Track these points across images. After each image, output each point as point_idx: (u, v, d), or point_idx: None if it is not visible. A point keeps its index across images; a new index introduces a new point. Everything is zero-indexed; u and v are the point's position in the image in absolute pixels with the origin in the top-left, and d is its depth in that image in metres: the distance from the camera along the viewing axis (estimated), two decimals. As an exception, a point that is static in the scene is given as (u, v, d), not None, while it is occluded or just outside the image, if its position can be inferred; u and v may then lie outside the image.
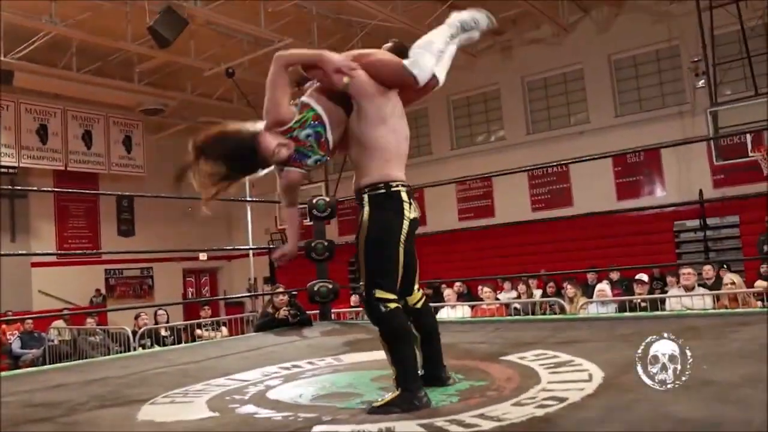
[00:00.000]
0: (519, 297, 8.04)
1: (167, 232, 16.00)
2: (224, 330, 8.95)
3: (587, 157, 5.07)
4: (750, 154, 9.91)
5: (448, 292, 7.22)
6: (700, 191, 11.37)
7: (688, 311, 5.51)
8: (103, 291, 16.44)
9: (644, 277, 6.79)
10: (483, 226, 13.62)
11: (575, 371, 2.65)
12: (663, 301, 6.26)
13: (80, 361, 6.63)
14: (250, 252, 14.96)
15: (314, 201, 5.56)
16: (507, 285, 9.50)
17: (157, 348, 7.35)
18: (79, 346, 8.55)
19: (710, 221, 11.94)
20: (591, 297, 7.26)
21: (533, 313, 7.15)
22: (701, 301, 6.00)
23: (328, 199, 5.60)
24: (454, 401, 2.37)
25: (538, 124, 14.46)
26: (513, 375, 2.73)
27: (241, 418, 2.42)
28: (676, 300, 6.11)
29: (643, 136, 11.17)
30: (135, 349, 7.46)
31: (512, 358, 3.12)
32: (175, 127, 16.51)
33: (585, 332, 3.99)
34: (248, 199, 11.48)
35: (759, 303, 5.78)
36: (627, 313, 5.59)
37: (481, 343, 3.83)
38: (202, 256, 16.91)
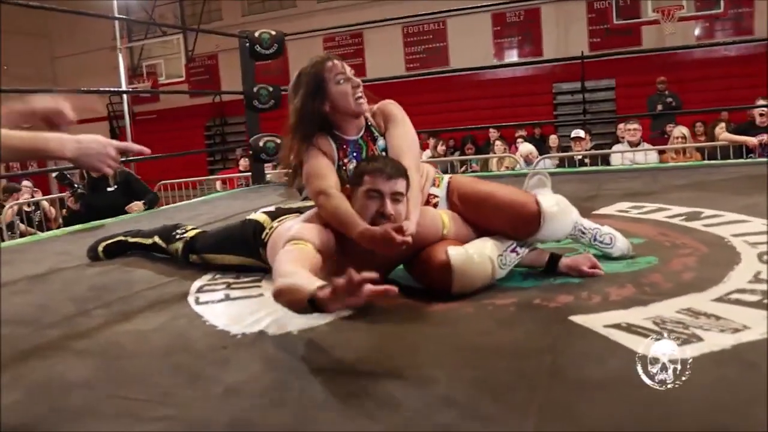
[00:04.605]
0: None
1: None
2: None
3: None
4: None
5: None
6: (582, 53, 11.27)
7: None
8: None
9: (581, 133, 6.49)
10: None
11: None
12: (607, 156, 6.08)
13: None
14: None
15: (257, 34, 4.44)
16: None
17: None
18: None
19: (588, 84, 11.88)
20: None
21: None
22: (643, 156, 5.89)
23: (273, 32, 4.50)
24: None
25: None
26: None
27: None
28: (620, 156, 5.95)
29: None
30: None
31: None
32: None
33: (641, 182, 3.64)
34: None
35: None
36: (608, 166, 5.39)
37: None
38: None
